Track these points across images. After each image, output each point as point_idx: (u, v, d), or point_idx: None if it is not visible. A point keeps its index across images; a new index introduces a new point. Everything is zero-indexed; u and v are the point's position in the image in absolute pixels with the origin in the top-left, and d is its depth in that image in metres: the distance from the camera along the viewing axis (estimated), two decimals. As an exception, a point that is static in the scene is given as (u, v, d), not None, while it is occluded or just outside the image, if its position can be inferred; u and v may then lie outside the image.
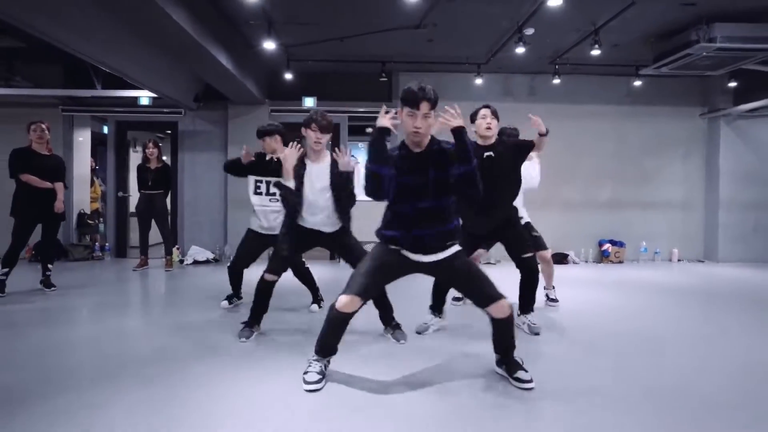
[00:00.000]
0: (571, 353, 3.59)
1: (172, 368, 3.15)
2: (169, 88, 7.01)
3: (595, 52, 6.35)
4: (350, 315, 2.79)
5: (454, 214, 2.90)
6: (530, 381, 2.81)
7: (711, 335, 4.14)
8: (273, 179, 4.27)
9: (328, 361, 2.92)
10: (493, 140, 3.90)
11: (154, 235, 7.28)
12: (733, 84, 7.92)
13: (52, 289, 5.52)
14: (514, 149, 3.93)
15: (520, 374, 2.85)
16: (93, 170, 9.10)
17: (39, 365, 3.19)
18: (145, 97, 7.67)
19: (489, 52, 7.29)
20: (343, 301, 2.74)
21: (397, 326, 3.82)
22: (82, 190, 8.63)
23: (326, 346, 2.89)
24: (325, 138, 3.62)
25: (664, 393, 2.83)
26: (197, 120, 8.37)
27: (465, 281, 2.91)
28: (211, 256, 7.98)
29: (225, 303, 4.85)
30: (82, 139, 8.69)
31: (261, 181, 4.52)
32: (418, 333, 3.92)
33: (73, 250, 8.01)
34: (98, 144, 9.45)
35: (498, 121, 3.92)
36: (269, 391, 2.79)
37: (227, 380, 2.95)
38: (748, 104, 7.76)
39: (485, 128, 3.86)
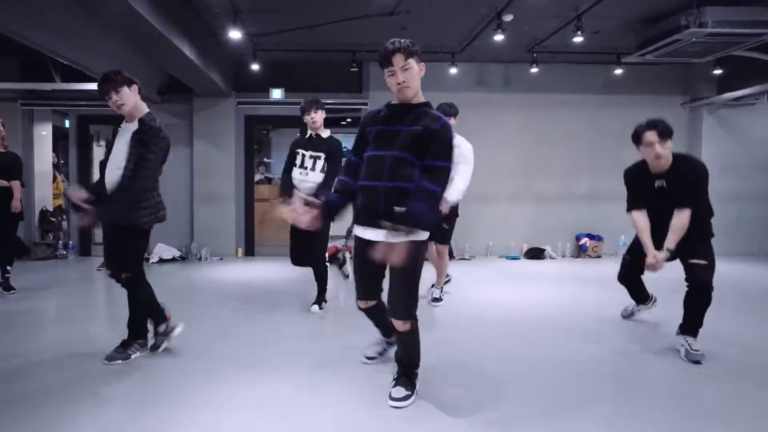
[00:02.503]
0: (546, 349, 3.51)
1: (149, 368, 3.10)
2: (131, 80, 6.72)
3: (578, 39, 6.15)
4: (371, 307, 2.90)
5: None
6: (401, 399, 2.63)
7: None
8: (312, 153, 4.38)
9: (387, 343, 3.20)
10: (667, 165, 3.37)
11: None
12: (718, 71, 7.74)
13: (12, 292, 5.30)
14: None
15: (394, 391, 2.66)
16: (55, 166, 8.77)
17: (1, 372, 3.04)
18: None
19: (465, 40, 7.07)
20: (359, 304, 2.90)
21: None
22: (44, 187, 8.30)
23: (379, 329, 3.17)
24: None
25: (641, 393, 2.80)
26: (161, 113, 7.84)
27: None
28: (177, 254, 7.76)
29: (315, 307, 4.61)
30: (45, 133, 8.36)
31: (305, 155, 4.40)
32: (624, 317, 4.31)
33: (35, 249, 7.71)
34: (60, 138, 9.12)
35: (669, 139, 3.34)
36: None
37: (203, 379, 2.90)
38: (733, 92, 7.59)
39: (653, 158, 3.34)
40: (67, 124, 8.53)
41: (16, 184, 5.28)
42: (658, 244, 3.36)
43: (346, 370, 3.09)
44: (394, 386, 2.66)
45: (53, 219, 8.15)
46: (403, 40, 2.53)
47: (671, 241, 3.28)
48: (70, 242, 8.08)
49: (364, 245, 2.60)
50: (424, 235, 2.52)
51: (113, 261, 3.25)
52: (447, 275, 5.16)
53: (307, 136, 4.49)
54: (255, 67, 7.20)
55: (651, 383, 3.02)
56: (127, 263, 3.17)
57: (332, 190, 2.90)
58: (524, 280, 6.48)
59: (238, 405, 2.61)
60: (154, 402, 2.64)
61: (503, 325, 4.22)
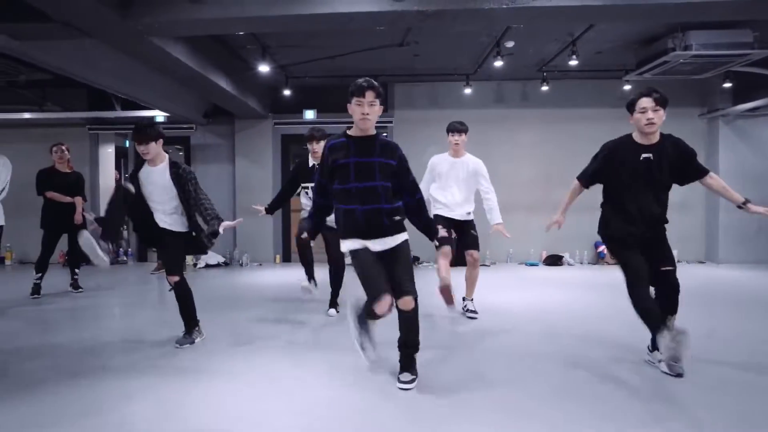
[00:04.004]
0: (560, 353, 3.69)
1: (198, 359, 3.58)
2: (179, 108, 7.68)
3: (573, 63, 6.59)
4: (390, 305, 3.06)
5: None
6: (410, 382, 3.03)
7: (704, 336, 4.06)
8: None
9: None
10: (655, 138, 3.25)
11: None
12: (728, 85, 7.90)
13: (79, 290, 6.20)
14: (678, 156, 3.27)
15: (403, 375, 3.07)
16: (118, 181, 9.85)
17: (68, 358, 3.64)
18: (160, 115, 8.33)
19: (476, 63, 7.59)
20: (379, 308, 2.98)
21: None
22: (107, 201, 9.38)
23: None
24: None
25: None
26: (207, 134, 9.04)
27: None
28: (222, 260, 8.68)
29: (332, 311, 4.90)
30: (110, 150, 9.52)
31: (308, 187, 4.82)
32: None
33: (100, 255, 8.75)
34: (122, 157, 10.22)
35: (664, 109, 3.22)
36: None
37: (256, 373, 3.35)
38: (746, 104, 7.77)
39: (645, 124, 3.21)
40: (127, 144, 9.65)
41: (78, 200, 6.12)
42: (637, 226, 3.25)
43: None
44: (401, 372, 3.07)
45: (116, 229, 9.19)
46: (375, 82, 2.97)
47: (734, 193, 3.21)
48: (130, 250, 9.16)
49: (370, 254, 3.05)
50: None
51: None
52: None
53: (311, 166, 4.82)
54: (287, 92, 7.99)
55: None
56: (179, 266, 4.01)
57: (312, 211, 3.46)
58: (541, 285, 6.77)
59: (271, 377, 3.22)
60: (203, 374, 3.25)
61: (519, 326, 4.50)
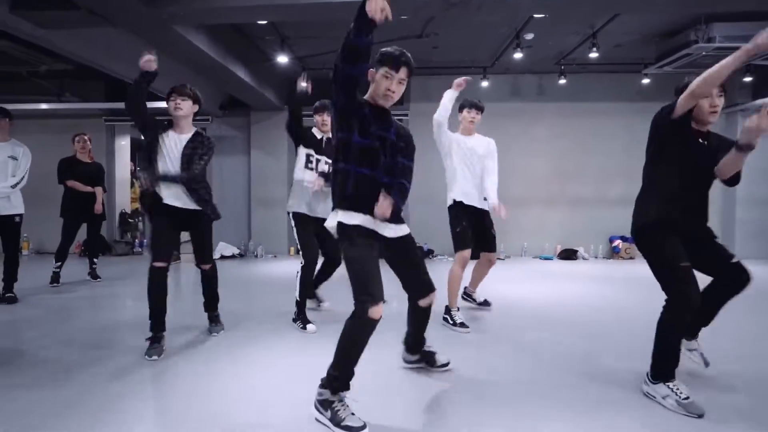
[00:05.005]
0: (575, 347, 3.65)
1: (214, 347, 3.63)
2: (196, 99, 7.67)
3: (593, 55, 6.57)
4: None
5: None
6: (448, 363, 3.07)
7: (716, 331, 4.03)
8: (324, 158, 4.24)
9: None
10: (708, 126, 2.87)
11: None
12: (748, 79, 7.88)
13: (98, 280, 6.25)
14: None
15: (439, 358, 3.08)
16: (133, 173, 9.92)
17: (86, 343, 3.70)
18: (177, 106, 8.38)
19: (493, 56, 7.58)
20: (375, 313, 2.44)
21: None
22: (123, 192, 9.49)
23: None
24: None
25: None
26: (223, 126, 9.05)
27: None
28: (236, 251, 8.70)
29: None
30: (124, 143, 9.55)
31: (313, 156, 4.26)
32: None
33: (116, 246, 8.83)
34: (138, 149, 10.27)
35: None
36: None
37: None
38: (764, 99, 7.73)
39: (710, 112, 2.79)
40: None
41: (98, 190, 6.15)
42: (695, 219, 2.83)
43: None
44: (435, 356, 3.08)
45: (131, 220, 9.28)
46: (411, 58, 2.55)
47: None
48: (146, 240, 9.17)
49: (373, 244, 2.56)
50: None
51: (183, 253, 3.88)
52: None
53: (320, 138, 4.34)
54: (304, 84, 7.96)
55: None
56: (211, 254, 3.90)
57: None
58: (555, 278, 6.77)
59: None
60: (219, 357, 3.31)
61: (533, 317, 4.52)
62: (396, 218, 2.64)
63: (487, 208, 4.39)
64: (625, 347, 3.61)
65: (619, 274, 7.21)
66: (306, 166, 4.21)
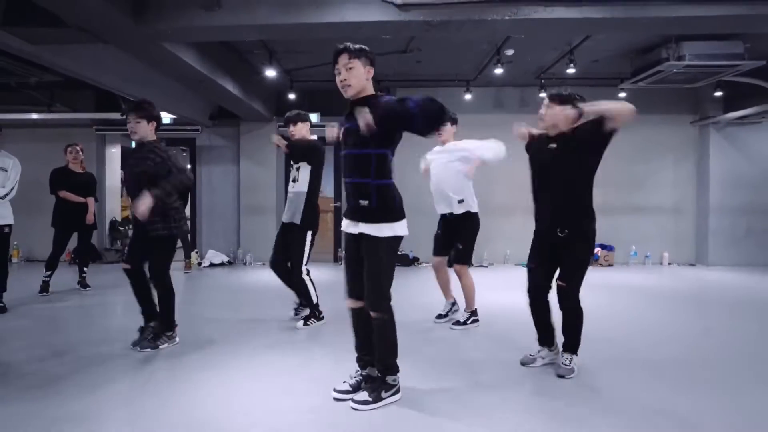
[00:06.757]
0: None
1: (202, 355, 3.73)
2: (186, 110, 7.84)
3: (570, 71, 6.79)
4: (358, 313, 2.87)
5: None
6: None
7: (694, 335, 4.35)
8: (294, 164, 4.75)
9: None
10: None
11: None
12: (719, 94, 8.14)
13: (87, 289, 6.33)
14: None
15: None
16: (123, 182, 10.00)
17: (74, 353, 3.75)
18: (166, 116, 8.45)
19: (476, 70, 7.79)
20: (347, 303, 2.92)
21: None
22: (113, 200, 9.60)
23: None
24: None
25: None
26: (213, 136, 9.21)
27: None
28: (225, 259, 8.83)
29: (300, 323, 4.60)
30: (114, 150, 9.67)
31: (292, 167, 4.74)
32: (523, 364, 3.45)
33: (106, 254, 8.92)
34: (128, 158, 10.34)
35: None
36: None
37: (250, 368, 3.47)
38: (736, 112, 8.01)
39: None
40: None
41: (90, 201, 6.25)
42: (548, 223, 3.25)
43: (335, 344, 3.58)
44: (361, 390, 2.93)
45: (121, 228, 9.35)
46: (351, 44, 2.63)
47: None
48: (135, 248, 9.24)
49: (351, 243, 2.80)
50: (400, 230, 2.76)
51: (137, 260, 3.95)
52: (454, 302, 4.85)
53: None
54: (292, 96, 8.16)
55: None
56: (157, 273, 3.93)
57: None
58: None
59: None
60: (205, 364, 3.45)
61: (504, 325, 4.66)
62: (362, 216, 2.72)
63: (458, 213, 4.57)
64: (606, 354, 3.77)
65: (598, 281, 7.36)
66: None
